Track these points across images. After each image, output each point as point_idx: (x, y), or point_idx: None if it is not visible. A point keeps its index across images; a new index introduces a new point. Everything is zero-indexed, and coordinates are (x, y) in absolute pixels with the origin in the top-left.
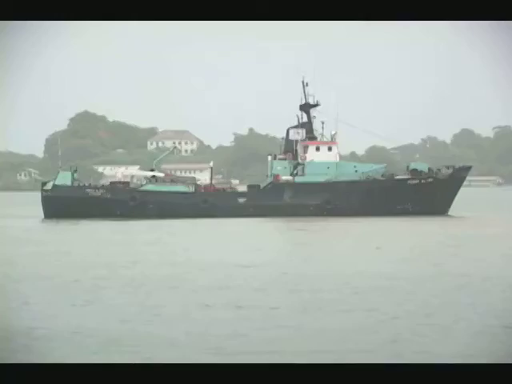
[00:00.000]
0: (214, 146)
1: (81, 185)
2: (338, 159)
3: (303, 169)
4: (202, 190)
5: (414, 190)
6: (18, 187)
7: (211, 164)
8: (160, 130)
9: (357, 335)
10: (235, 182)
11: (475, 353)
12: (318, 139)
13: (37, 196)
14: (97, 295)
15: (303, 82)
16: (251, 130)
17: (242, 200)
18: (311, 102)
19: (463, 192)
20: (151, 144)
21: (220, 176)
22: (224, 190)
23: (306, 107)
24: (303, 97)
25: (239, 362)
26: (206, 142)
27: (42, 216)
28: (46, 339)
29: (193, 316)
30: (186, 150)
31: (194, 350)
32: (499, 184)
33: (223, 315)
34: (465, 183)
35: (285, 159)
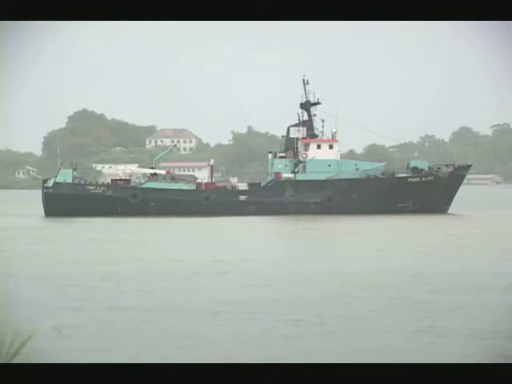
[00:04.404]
0: (212, 145)
1: (82, 182)
2: (338, 157)
3: (304, 167)
4: (203, 188)
5: (415, 188)
6: (16, 185)
7: (211, 162)
8: (159, 129)
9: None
10: (234, 180)
11: (475, 353)
12: (319, 137)
13: (35, 194)
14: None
15: (304, 80)
16: (250, 128)
17: (243, 197)
18: (312, 100)
19: (462, 190)
20: (150, 142)
21: (218, 174)
22: (225, 187)
23: (306, 105)
24: (304, 95)
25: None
26: (205, 140)
27: (42, 214)
28: (42, 339)
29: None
30: (185, 149)
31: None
32: (498, 182)
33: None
34: (463, 181)
35: (285, 157)
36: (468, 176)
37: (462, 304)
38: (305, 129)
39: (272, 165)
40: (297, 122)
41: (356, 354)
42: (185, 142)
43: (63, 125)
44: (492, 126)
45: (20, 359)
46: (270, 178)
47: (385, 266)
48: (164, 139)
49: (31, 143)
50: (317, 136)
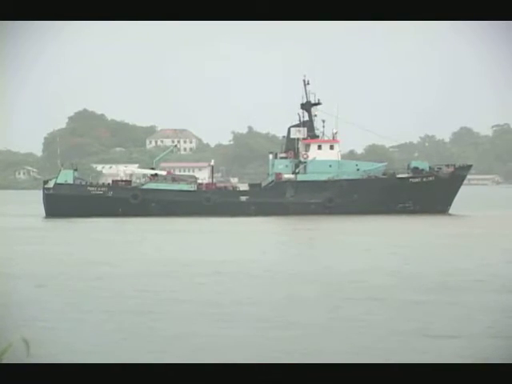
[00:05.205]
0: (212, 145)
1: (83, 183)
2: (339, 158)
3: (305, 167)
4: (204, 189)
5: (416, 188)
6: (16, 186)
7: (212, 162)
8: (159, 129)
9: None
10: (234, 180)
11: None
12: (320, 138)
13: (36, 194)
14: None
15: (304, 81)
16: (250, 128)
17: (243, 198)
18: (312, 100)
19: (462, 190)
20: (150, 143)
21: (219, 174)
22: (226, 188)
23: (307, 106)
24: (304, 95)
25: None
26: (205, 141)
27: (43, 214)
28: (41, 339)
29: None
30: (185, 149)
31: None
32: (498, 182)
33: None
34: (464, 182)
35: (286, 158)
36: (468, 176)
37: (461, 304)
38: (305, 129)
39: (273, 165)
40: (297, 122)
41: (355, 354)
42: (185, 142)
43: (63, 125)
44: (492, 127)
45: (12, 359)
46: (270, 179)
47: (384, 266)
48: (164, 139)
49: (31, 143)
50: (317, 136)
